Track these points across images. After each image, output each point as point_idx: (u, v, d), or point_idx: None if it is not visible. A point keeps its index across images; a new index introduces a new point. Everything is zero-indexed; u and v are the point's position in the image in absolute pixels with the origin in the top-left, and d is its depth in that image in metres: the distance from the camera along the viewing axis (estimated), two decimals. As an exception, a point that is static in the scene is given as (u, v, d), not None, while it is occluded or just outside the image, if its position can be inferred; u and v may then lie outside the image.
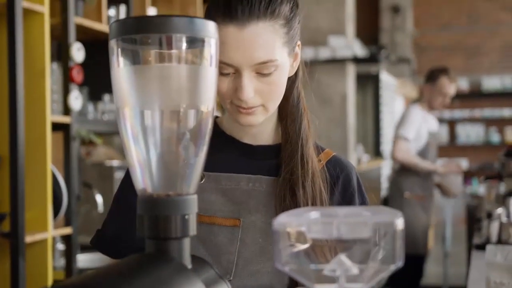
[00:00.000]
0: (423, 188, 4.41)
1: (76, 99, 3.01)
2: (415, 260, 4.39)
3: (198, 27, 0.83)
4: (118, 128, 0.86)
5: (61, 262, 3.21)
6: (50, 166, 2.81)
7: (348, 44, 6.01)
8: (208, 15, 1.20)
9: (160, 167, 0.85)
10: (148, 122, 0.84)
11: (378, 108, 7.45)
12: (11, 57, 2.62)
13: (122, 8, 3.46)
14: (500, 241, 2.86)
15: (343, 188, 1.32)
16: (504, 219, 2.97)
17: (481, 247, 2.84)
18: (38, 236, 2.76)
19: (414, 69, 10.44)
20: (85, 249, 3.16)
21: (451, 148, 10.56)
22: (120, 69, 0.84)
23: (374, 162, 6.67)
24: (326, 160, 1.32)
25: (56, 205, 2.90)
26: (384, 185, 7.15)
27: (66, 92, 3.00)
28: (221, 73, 1.20)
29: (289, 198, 1.24)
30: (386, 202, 4.94)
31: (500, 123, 10.35)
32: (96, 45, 3.28)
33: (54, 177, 2.88)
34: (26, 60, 2.72)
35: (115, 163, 3.35)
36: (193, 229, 0.84)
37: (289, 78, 1.30)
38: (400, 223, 0.72)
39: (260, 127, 1.31)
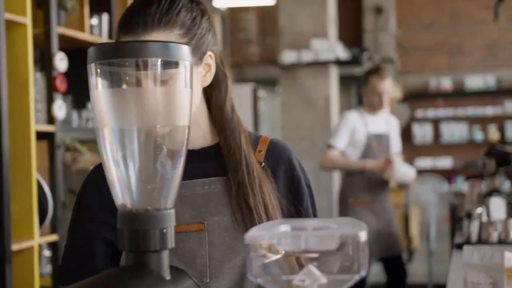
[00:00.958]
0: (370, 192, 4.34)
1: (60, 108, 3.04)
2: (392, 260, 4.39)
3: (172, 51, 0.88)
4: (98, 146, 0.90)
5: (48, 269, 3.24)
6: (35, 175, 2.84)
7: (331, 47, 6.06)
8: (116, 32, 1.25)
9: (138, 183, 0.89)
10: (126, 140, 0.88)
11: (362, 108, 7.51)
12: (-6, 68, 2.65)
13: (105, 17, 3.48)
14: (480, 241, 2.90)
15: (290, 172, 1.38)
16: (484, 218, 3.02)
17: (462, 247, 2.89)
18: (24, 244, 2.79)
19: (398, 69, 10.52)
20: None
21: (435, 146, 10.66)
22: (99, 91, 0.88)
23: (358, 163, 6.72)
24: (265, 149, 1.37)
25: (42, 213, 2.94)
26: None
27: (50, 101, 3.03)
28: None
29: (244, 206, 1.29)
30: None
31: (483, 122, 10.46)
32: (79, 54, 3.30)
33: (39, 185, 2.91)
34: (10, 70, 2.75)
35: (100, 169, 3.36)
36: (171, 241, 0.89)
37: (219, 90, 1.34)
38: (363, 235, 0.77)
39: (193, 132, 1.33)
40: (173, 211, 0.90)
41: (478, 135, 10.44)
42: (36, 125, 2.91)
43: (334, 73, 6.28)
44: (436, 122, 10.66)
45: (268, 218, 1.30)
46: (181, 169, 0.91)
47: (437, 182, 7.14)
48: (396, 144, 4.51)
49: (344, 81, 7.26)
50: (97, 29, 3.41)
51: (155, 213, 0.88)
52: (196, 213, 1.31)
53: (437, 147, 10.64)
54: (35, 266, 2.85)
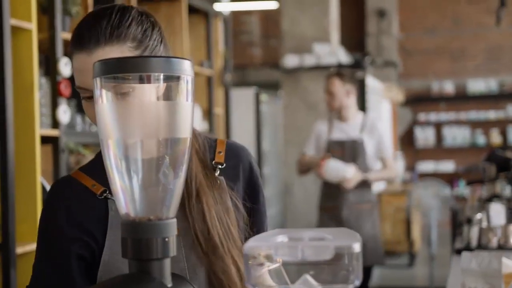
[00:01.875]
0: (332, 199, 4.36)
1: (64, 113, 3.08)
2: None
3: (174, 66, 0.91)
4: (103, 157, 0.93)
5: (52, 271, 3.27)
6: (39, 178, 2.88)
7: (333, 52, 6.09)
8: (69, 48, 1.27)
9: (141, 193, 0.92)
10: (129, 152, 0.92)
11: (364, 112, 7.53)
12: (0, 73, 2.69)
13: (109, 22, 3.52)
14: (480, 246, 2.92)
15: (249, 170, 1.40)
16: (484, 224, 3.04)
17: (461, 252, 2.91)
18: (28, 247, 2.82)
19: (400, 73, 10.55)
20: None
21: (437, 150, 10.68)
22: (104, 104, 0.91)
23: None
24: (224, 150, 1.39)
25: (46, 216, 2.96)
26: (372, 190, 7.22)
27: (54, 105, 3.06)
28: (83, 98, 1.25)
29: (199, 221, 1.30)
30: None
31: (486, 126, 10.48)
32: (84, 59, 3.34)
33: (43, 189, 2.95)
34: (15, 75, 2.79)
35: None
36: (173, 250, 0.92)
37: None
38: (357, 246, 0.80)
39: None
40: (174, 220, 0.93)
41: (480, 139, 10.46)
42: (41, 129, 2.95)
43: (336, 77, 6.30)
44: (438, 126, 10.68)
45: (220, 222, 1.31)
46: (183, 178, 0.94)
47: (439, 186, 7.15)
48: (374, 149, 4.35)
49: (347, 84, 7.28)
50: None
51: (157, 222, 0.91)
52: None
53: (439, 151, 10.66)
54: (38, 269, 2.88)
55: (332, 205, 4.30)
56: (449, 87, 10.59)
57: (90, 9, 3.39)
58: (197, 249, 1.29)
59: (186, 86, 0.92)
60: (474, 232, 3.02)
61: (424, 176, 9.95)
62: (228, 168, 1.37)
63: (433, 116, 10.63)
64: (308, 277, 0.82)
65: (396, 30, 10.54)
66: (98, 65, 0.91)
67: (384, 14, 10.21)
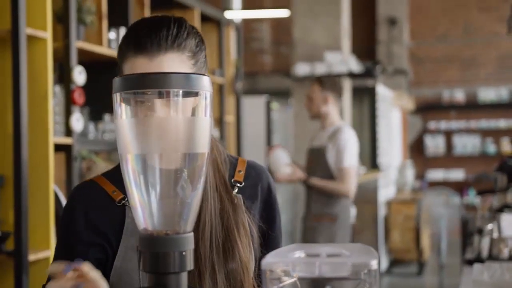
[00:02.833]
0: (304, 207, 4.37)
1: (77, 121, 3.10)
2: None
3: (193, 82, 0.92)
4: (121, 172, 0.94)
5: (63, 278, 3.29)
6: (52, 186, 2.90)
7: (344, 60, 6.10)
8: (121, 52, 1.28)
9: (159, 207, 0.93)
10: (148, 167, 0.93)
11: (374, 120, 7.53)
12: (15, 81, 2.72)
13: (122, 31, 3.54)
14: (491, 257, 2.91)
15: (268, 192, 1.41)
16: (495, 235, 3.03)
17: (472, 263, 2.90)
18: (41, 254, 2.83)
19: (411, 81, 10.54)
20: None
21: (447, 158, 10.65)
22: (123, 119, 0.93)
23: (370, 175, 6.75)
24: (244, 169, 1.40)
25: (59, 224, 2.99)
26: (382, 198, 7.23)
27: (68, 114, 3.08)
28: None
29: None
30: None
31: (496, 134, 10.44)
32: (97, 67, 3.37)
33: (56, 196, 2.96)
34: (30, 83, 2.81)
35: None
36: (190, 264, 0.93)
37: None
38: (375, 263, 0.81)
39: None
40: (191, 234, 0.94)
41: (491, 148, 10.42)
42: (54, 137, 2.97)
43: (347, 86, 6.31)
44: (448, 134, 10.65)
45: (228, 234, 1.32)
46: (201, 192, 0.95)
47: (448, 194, 7.14)
48: (334, 159, 4.14)
49: (357, 93, 7.29)
50: (115, 42, 3.47)
51: (175, 236, 0.92)
52: None
53: (449, 159, 10.64)
54: (50, 276, 2.89)
55: (303, 215, 4.32)
56: (459, 95, 10.57)
57: (105, 18, 3.42)
58: None
59: (205, 101, 0.93)
60: (485, 243, 3.01)
61: (434, 184, 9.94)
62: (247, 188, 1.38)
63: (443, 124, 10.61)
64: (325, 293, 0.83)
65: (407, 38, 10.53)
66: (117, 80, 0.92)
67: (395, 22, 10.21)
